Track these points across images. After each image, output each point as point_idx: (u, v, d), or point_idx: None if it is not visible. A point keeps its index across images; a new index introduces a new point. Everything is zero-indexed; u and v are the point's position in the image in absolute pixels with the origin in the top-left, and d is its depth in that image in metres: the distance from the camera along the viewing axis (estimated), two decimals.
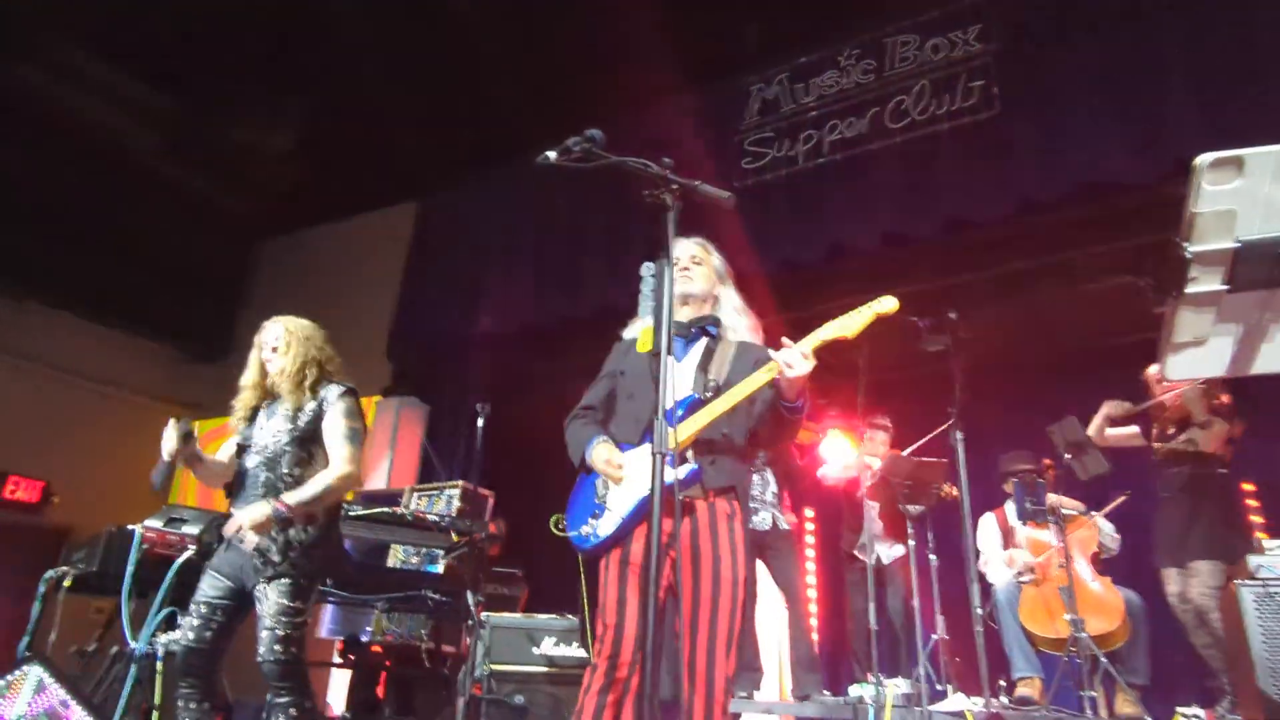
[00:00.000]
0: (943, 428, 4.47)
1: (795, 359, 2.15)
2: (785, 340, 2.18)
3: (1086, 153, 4.39)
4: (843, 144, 5.27)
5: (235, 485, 3.09)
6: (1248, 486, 4.76)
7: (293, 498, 2.86)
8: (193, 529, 3.76)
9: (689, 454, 2.27)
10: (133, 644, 3.43)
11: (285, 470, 2.96)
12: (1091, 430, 4.45)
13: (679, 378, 2.38)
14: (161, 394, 7.84)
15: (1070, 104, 4.52)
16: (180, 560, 3.54)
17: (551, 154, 1.94)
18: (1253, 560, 2.63)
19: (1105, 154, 4.34)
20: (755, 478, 4.81)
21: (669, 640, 2.20)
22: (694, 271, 2.54)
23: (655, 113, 6.03)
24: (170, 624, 3.52)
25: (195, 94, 6.88)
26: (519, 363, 6.72)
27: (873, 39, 5.37)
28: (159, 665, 3.42)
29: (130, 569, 3.53)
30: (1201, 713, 3.63)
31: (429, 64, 6.43)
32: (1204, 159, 1.47)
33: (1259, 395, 4.38)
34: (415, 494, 5.55)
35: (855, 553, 5.08)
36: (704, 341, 2.51)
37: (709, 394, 2.31)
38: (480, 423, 4.40)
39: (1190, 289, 1.58)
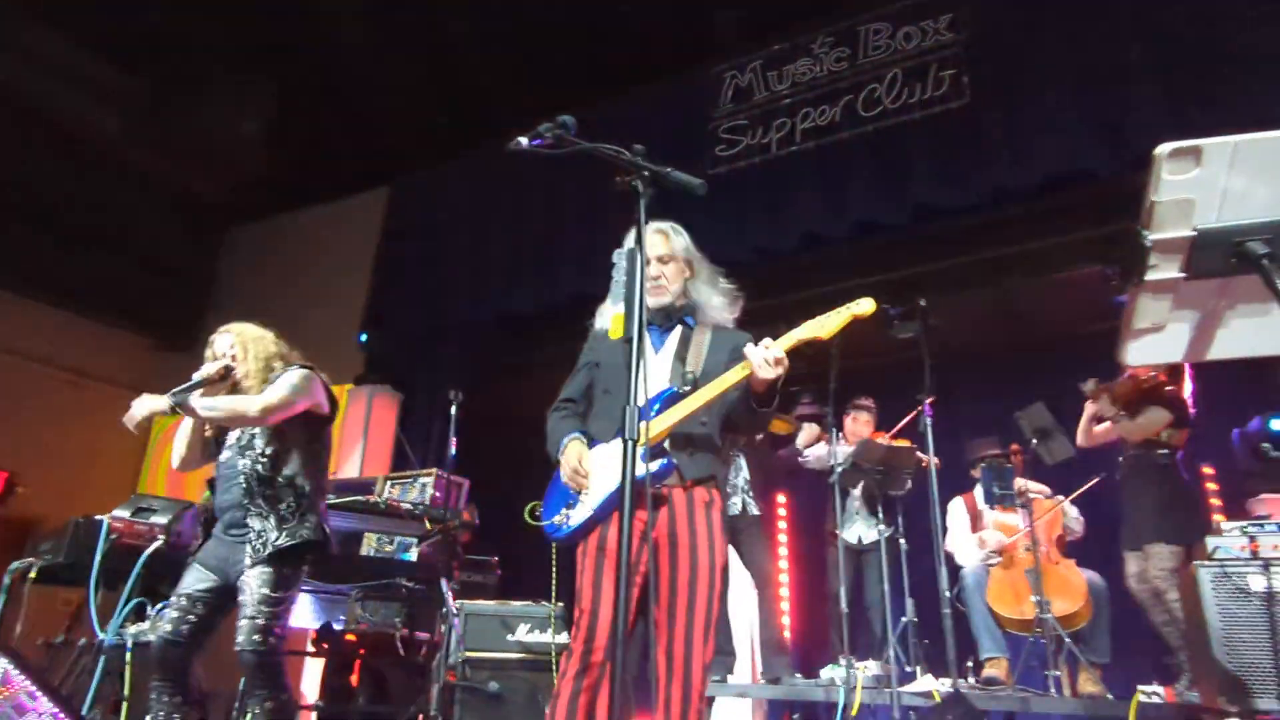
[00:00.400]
0: (912, 414, 4.55)
1: (767, 363, 2.15)
2: (766, 342, 2.18)
3: (1054, 142, 4.45)
4: (815, 132, 5.29)
5: (216, 480, 3.11)
6: (1207, 470, 4.87)
7: (197, 401, 2.90)
8: (161, 519, 3.74)
9: (666, 445, 2.27)
10: (101, 635, 3.41)
11: (260, 449, 2.97)
12: (1080, 431, 4.53)
13: (655, 369, 2.40)
14: (129, 382, 7.69)
15: (1038, 94, 4.57)
16: (149, 550, 3.52)
17: (523, 140, 1.93)
18: (1210, 542, 2.70)
19: (1073, 144, 4.40)
20: None
21: (646, 626, 2.22)
22: (665, 275, 2.48)
23: (630, 99, 6.02)
24: (139, 615, 3.50)
25: (163, 76, 6.75)
26: (493, 350, 6.70)
27: (846, 27, 5.39)
28: (128, 656, 3.40)
29: (98, 560, 3.50)
30: (1161, 690, 3.73)
31: (401, 47, 6.36)
32: (1164, 149, 1.50)
33: (1216, 382, 4.48)
34: (389, 482, 5.52)
35: (837, 531, 5.15)
36: (679, 330, 2.50)
37: (686, 388, 2.32)
38: (454, 410, 4.39)
39: (1150, 276, 1.62)
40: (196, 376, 3.03)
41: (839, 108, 5.23)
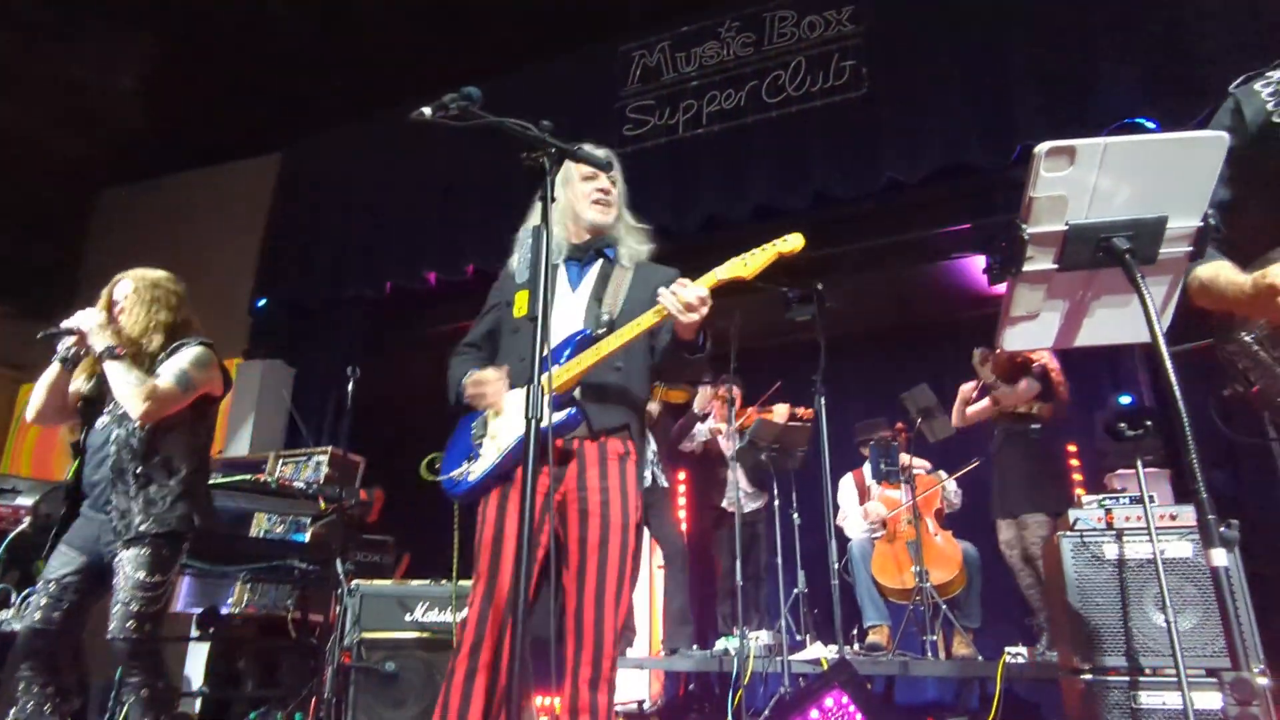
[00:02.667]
0: (771, 390, 4.67)
1: (688, 305, 2.00)
2: (682, 280, 2.05)
3: (944, 136, 4.66)
4: (721, 115, 5.36)
5: (86, 448, 2.87)
6: (1071, 448, 5.26)
7: (117, 361, 2.70)
8: (27, 500, 3.50)
9: (576, 394, 2.12)
10: None
11: (136, 424, 2.75)
12: (955, 412, 4.83)
13: (569, 309, 2.26)
14: None
15: (930, 89, 4.77)
16: (13, 534, 3.30)
17: (427, 110, 1.85)
18: (1072, 514, 2.92)
19: (958, 138, 4.62)
20: None
21: (551, 591, 2.12)
22: (613, 195, 2.37)
23: (536, 74, 5.93)
24: (3, 602, 3.27)
25: (27, 21, 6.19)
26: (390, 325, 6.53)
27: (753, 13, 5.46)
28: None
29: None
30: (1025, 651, 4.03)
31: (297, 7, 6.04)
32: (1042, 148, 1.60)
33: (1078, 366, 4.84)
34: (280, 460, 5.32)
35: (724, 505, 5.29)
36: (599, 266, 2.35)
37: (601, 330, 2.16)
38: (350, 386, 4.26)
39: (1027, 267, 1.73)
40: (65, 324, 2.81)
41: (744, 92, 5.31)
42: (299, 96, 6.71)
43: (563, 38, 5.87)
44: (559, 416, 2.05)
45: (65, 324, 2.81)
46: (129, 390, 2.69)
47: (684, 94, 5.52)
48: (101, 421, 2.85)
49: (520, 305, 2.21)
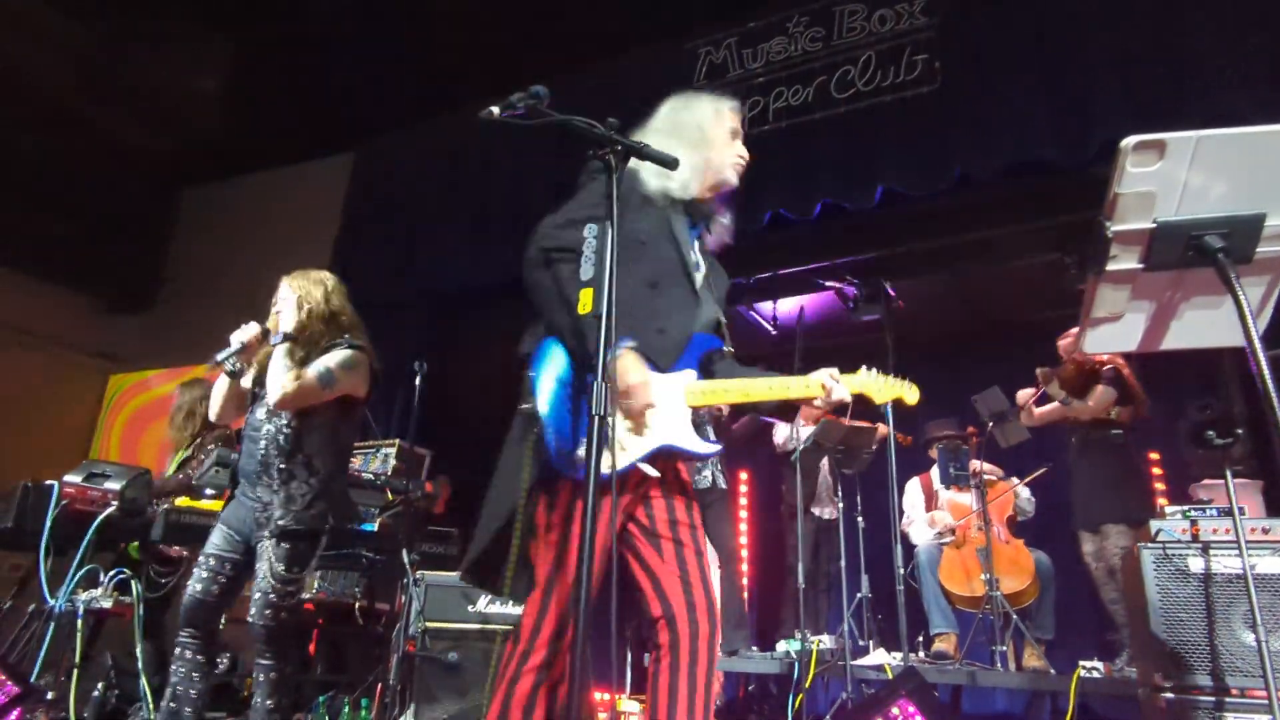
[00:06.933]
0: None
1: (829, 399, 1.98)
2: (833, 373, 2.03)
3: (1017, 131, 4.50)
4: (788, 112, 5.28)
5: (244, 436, 3.03)
6: (1153, 455, 5.04)
7: (283, 345, 2.86)
8: (114, 485, 3.66)
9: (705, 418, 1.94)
10: (51, 601, 3.36)
11: (286, 418, 2.88)
12: (1023, 411, 4.66)
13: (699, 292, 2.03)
14: (77, 344, 7.48)
15: (1006, 83, 4.61)
16: (102, 516, 3.46)
17: (495, 109, 1.87)
18: (1154, 525, 2.79)
19: (1034, 133, 4.46)
20: None
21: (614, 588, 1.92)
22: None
23: (603, 72, 5.95)
24: (91, 582, 3.44)
25: (115, 27, 6.49)
26: (458, 320, 6.64)
27: (821, 7, 5.37)
28: (79, 623, 3.35)
29: (48, 525, 3.44)
30: (1101, 666, 3.87)
31: (368, 10, 6.19)
32: (1129, 141, 1.53)
33: (1164, 371, 4.62)
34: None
35: (809, 509, 5.21)
36: (698, 238, 2.14)
37: (730, 349, 2.04)
38: (418, 381, 4.35)
39: (1110, 266, 1.66)
40: (235, 341, 2.96)
41: (812, 88, 5.22)
42: (371, 96, 6.88)
43: (629, 36, 5.87)
44: (711, 448, 1.94)
45: (234, 340, 2.98)
46: (277, 374, 2.81)
47: (750, 91, 5.46)
48: (259, 413, 2.96)
49: (585, 302, 1.90)
